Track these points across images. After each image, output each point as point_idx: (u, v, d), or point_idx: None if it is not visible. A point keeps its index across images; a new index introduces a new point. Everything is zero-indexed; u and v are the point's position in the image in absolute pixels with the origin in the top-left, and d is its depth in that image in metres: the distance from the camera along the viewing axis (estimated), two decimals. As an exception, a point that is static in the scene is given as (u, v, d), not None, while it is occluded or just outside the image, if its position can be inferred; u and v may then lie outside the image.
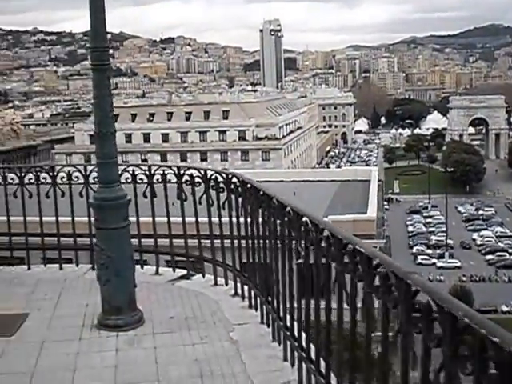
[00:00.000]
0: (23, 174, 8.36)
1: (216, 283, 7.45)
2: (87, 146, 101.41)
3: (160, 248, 8.00)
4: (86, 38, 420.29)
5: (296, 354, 4.91)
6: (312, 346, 4.60)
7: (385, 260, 3.09)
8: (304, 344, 4.77)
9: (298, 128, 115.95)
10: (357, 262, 3.43)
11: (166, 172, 7.60)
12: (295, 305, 5.03)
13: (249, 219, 6.22)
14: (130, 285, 6.21)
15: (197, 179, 7.23)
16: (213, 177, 7.06)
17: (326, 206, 34.86)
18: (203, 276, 7.68)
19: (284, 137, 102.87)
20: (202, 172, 7.19)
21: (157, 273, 7.97)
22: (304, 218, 4.42)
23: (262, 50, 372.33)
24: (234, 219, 6.65)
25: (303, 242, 4.48)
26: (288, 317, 5.31)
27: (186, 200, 7.48)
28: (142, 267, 7.92)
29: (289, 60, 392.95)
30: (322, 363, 4.36)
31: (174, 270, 7.94)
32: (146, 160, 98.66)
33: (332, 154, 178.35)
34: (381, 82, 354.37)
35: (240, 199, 6.47)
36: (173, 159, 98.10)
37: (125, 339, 5.98)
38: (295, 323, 5.09)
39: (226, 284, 7.30)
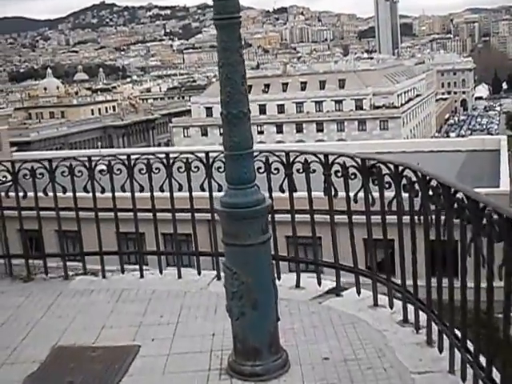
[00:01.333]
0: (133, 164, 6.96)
1: (376, 303, 5.72)
2: (203, 119, 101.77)
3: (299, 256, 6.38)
4: (199, 11, 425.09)
5: None
6: None
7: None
8: None
9: (417, 95, 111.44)
10: None
11: (308, 159, 5.90)
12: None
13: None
14: (271, 319, 4.58)
15: (352, 170, 5.51)
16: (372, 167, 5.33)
17: (453, 178, 32.26)
18: (358, 293, 5.95)
19: (402, 105, 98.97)
20: (359, 160, 5.47)
21: (297, 286, 6.32)
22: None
23: (377, 16, 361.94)
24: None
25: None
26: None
27: (336, 197, 5.79)
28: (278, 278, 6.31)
29: (404, 26, 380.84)
30: None
31: (319, 283, 6.26)
32: (262, 132, 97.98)
33: (451, 121, 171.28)
34: (501, 46, 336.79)
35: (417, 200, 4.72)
36: (288, 130, 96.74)
37: (267, 394, 4.43)
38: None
39: (391, 307, 5.56)
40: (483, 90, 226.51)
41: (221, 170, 6.24)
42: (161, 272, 7.19)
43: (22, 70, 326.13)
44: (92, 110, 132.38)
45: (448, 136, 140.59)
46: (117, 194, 7.16)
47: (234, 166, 4.47)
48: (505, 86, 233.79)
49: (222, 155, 6.33)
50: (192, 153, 6.71)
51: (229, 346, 4.98)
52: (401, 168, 4.99)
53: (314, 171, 5.91)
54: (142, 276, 7.20)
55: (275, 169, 6.00)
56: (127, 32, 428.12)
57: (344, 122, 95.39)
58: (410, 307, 5.22)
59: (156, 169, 6.84)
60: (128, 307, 6.34)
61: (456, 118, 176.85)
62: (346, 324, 5.37)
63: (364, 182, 5.33)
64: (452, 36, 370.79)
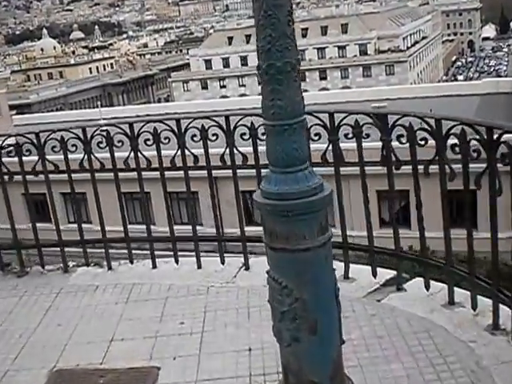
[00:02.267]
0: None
1: (452, 301, 4.58)
2: (203, 71, 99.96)
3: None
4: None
5: None
6: None
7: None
8: None
9: (423, 38, 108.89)
10: None
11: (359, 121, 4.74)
12: None
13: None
14: (334, 344, 3.41)
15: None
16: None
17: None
18: (426, 287, 4.79)
19: (408, 48, 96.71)
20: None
21: (346, 277, 5.15)
22: None
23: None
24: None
25: None
26: None
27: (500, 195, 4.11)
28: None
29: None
30: None
31: (374, 275, 5.12)
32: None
33: (459, 63, 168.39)
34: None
35: None
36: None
37: None
38: None
39: (474, 307, 4.42)
40: (490, 31, 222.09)
41: (245, 137, 5.20)
42: (176, 261, 6.01)
43: (17, 32, 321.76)
44: (90, 69, 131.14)
45: (456, 79, 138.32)
46: (121, 174, 6.01)
47: (279, 141, 3.18)
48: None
49: (246, 119, 5.26)
50: (208, 117, 5.45)
51: (271, 367, 3.92)
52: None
53: (368, 136, 4.74)
54: (154, 266, 6.04)
55: (315, 134, 4.79)
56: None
57: (348, 68, 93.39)
58: (503, 308, 4.11)
59: (165, 138, 5.59)
60: (141, 310, 5.24)
61: (463, 60, 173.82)
62: (419, 332, 4.23)
63: (489, 159, 4.04)
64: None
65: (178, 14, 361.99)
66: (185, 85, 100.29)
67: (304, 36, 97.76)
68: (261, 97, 3.25)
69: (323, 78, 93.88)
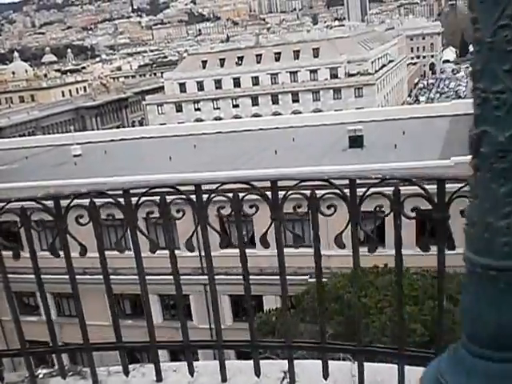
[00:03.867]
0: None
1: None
2: (177, 95, 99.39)
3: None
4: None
5: None
6: None
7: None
8: None
9: (390, 61, 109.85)
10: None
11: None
12: None
13: None
14: None
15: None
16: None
17: (441, 145, 30.88)
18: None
19: (377, 71, 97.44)
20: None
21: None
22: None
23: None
24: None
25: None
26: None
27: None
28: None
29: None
30: None
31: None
32: (237, 105, 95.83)
33: (421, 85, 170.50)
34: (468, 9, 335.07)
35: None
36: (264, 102, 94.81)
37: None
38: None
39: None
40: (450, 54, 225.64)
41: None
42: (191, 373, 3.88)
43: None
44: (63, 92, 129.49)
45: (418, 100, 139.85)
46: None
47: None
48: (471, 48, 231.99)
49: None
50: (171, 186, 3.56)
51: None
52: None
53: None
54: (159, 379, 3.92)
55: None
56: (94, 10, 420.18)
57: (319, 91, 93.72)
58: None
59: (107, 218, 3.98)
60: None
61: (425, 82, 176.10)
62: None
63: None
64: (419, 1, 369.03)
65: (152, 38, 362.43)
66: (159, 108, 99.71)
67: (277, 60, 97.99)
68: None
69: (295, 100, 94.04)
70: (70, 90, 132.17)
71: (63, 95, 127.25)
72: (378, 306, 17.00)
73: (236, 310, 29.85)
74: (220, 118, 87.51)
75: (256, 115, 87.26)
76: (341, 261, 27.65)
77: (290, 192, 3.35)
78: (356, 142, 32.29)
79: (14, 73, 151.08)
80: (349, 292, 17.97)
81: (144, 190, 3.66)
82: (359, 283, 18.62)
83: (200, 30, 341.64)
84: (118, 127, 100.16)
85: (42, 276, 3.82)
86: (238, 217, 3.65)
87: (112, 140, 44.42)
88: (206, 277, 3.84)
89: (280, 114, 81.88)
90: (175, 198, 3.61)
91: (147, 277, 3.87)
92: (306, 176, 3.35)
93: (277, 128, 40.81)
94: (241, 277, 3.76)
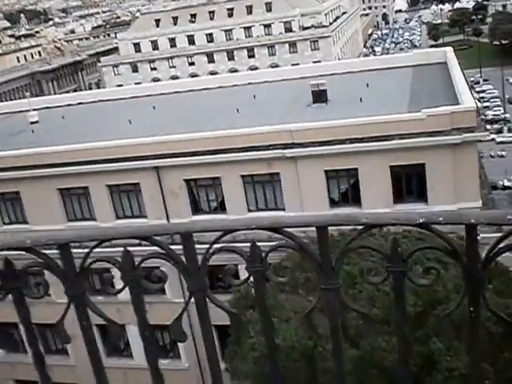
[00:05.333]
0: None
1: None
2: (132, 55, 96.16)
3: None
4: None
5: None
6: None
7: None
8: None
9: (343, 13, 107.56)
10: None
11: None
12: None
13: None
14: None
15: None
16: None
17: (408, 97, 29.22)
18: None
19: (331, 23, 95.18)
20: None
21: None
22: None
23: None
24: None
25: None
26: None
27: None
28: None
29: None
30: None
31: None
32: (193, 63, 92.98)
33: (375, 36, 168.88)
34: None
35: None
36: (220, 59, 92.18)
37: None
38: None
39: None
40: (402, 4, 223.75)
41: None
42: None
43: None
44: (18, 58, 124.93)
45: (374, 51, 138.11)
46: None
47: None
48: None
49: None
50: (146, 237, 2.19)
51: None
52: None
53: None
54: None
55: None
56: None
57: (275, 45, 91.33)
58: None
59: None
60: None
61: (379, 33, 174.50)
62: None
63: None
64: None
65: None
66: (115, 69, 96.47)
67: (230, 16, 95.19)
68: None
69: (251, 56, 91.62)
70: (24, 56, 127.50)
71: (18, 61, 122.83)
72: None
73: (211, 281, 28.16)
74: (177, 77, 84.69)
75: (212, 72, 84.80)
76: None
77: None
78: (320, 96, 30.41)
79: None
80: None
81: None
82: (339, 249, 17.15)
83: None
84: (75, 90, 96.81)
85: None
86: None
87: (69, 104, 41.90)
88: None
89: (237, 71, 79.49)
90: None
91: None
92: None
93: (236, 85, 38.69)
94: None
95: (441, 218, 1.99)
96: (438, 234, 1.98)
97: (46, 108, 41.23)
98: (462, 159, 23.55)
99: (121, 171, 27.03)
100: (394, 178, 24.43)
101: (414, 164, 24.06)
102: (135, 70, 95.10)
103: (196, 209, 27.32)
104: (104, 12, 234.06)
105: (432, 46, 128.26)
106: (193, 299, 2.16)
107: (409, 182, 24.93)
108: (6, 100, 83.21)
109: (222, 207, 27.04)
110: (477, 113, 25.00)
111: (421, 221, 1.99)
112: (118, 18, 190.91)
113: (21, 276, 2.04)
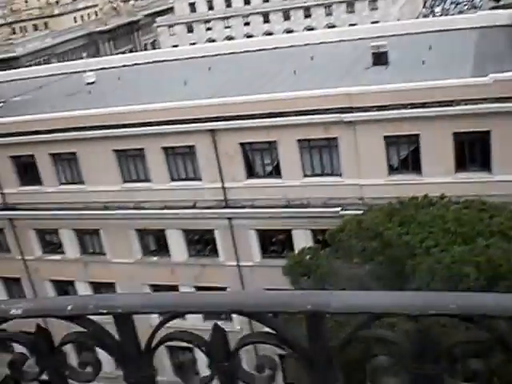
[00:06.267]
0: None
1: None
2: (188, 15, 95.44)
3: None
4: None
5: None
6: None
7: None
8: None
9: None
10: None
11: None
12: None
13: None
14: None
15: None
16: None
17: (472, 60, 27.83)
18: None
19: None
20: None
21: None
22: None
23: None
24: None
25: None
26: None
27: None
28: None
29: None
30: None
31: None
32: (248, 24, 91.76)
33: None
34: None
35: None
36: (275, 19, 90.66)
37: None
38: None
39: None
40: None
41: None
42: None
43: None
44: (74, 18, 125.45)
45: (433, 11, 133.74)
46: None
47: None
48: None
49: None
50: None
51: None
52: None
53: None
54: None
55: None
56: None
57: (332, 5, 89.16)
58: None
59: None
60: None
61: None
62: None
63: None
64: None
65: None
66: (170, 29, 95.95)
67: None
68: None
69: (307, 16, 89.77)
70: (81, 16, 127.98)
71: (75, 21, 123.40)
72: (423, 245, 14.71)
73: (264, 246, 27.71)
74: (232, 38, 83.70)
75: (268, 33, 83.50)
76: (374, 191, 25.61)
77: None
78: (380, 58, 29.30)
79: (26, 1, 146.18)
80: (388, 228, 15.76)
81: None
82: (398, 218, 16.37)
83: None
84: (130, 51, 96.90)
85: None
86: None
87: (125, 65, 41.70)
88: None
89: (292, 31, 78.02)
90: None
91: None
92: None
93: (293, 46, 37.70)
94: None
95: None
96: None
97: (102, 69, 41.13)
98: (531, 126, 22.37)
99: (176, 133, 26.74)
100: (457, 145, 23.42)
101: (478, 131, 22.99)
102: (190, 30, 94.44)
103: (251, 173, 26.89)
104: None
105: (493, 8, 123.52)
106: None
107: (472, 150, 23.87)
108: (63, 60, 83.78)
109: (276, 172, 26.52)
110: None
111: None
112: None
113: (57, 351, 1.49)
